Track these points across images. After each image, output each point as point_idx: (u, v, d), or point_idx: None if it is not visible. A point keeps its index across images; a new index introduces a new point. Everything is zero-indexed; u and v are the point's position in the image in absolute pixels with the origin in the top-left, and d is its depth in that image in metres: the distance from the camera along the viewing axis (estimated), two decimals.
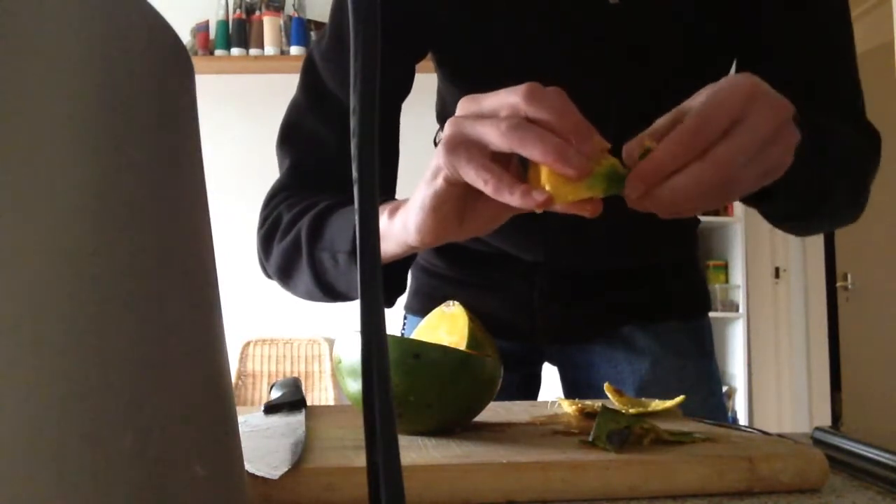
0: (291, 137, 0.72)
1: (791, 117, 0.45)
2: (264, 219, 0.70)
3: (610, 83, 0.69)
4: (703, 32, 0.68)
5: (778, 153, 0.45)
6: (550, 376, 0.93)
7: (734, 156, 0.42)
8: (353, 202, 0.23)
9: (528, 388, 0.90)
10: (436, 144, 0.90)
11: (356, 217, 0.23)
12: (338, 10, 0.71)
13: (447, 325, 0.57)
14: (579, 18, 0.67)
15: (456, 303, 0.58)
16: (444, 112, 0.82)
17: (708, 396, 0.82)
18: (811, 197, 0.59)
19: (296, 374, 3.00)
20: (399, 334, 0.79)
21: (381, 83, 0.23)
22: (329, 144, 0.69)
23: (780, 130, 0.44)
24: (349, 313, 2.85)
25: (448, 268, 0.85)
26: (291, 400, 0.57)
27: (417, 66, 0.74)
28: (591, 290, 0.82)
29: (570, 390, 0.89)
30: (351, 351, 0.50)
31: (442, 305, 0.59)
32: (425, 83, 0.86)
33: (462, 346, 0.52)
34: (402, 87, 0.73)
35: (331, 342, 3.02)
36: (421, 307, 0.86)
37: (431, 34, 0.71)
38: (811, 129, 0.52)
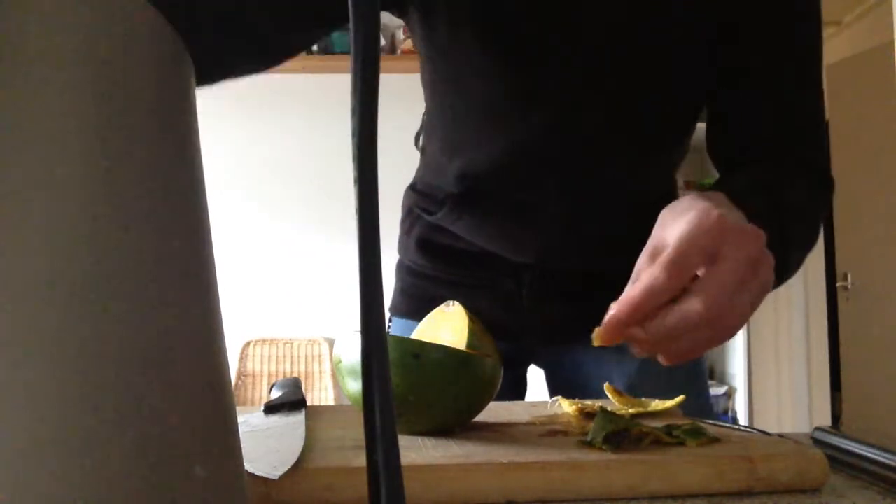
0: None
1: (764, 244, 0.45)
2: None
3: (590, 92, 0.68)
4: (681, 51, 0.68)
5: (761, 281, 0.45)
6: (536, 378, 0.93)
7: (724, 283, 0.43)
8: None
9: (517, 389, 0.90)
10: (416, 143, 0.89)
11: (356, 216, 0.23)
12: None
13: (447, 325, 0.57)
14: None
15: (456, 303, 0.58)
16: (432, 78, 0.78)
17: (696, 397, 0.82)
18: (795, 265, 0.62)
19: (296, 374, 3.00)
20: None
21: None
22: None
23: (758, 257, 0.45)
24: (349, 313, 2.85)
25: (433, 267, 0.84)
26: (291, 400, 0.57)
27: (399, 67, 0.72)
28: (580, 290, 0.81)
29: (557, 392, 0.89)
30: (351, 351, 0.50)
31: (442, 305, 0.59)
32: (409, 87, 0.85)
33: (462, 346, 0.52)
34: None
35: (331, 342, 3.02)
36: (406, 308, 0.85)
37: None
38: (787, 213, 0.54)
